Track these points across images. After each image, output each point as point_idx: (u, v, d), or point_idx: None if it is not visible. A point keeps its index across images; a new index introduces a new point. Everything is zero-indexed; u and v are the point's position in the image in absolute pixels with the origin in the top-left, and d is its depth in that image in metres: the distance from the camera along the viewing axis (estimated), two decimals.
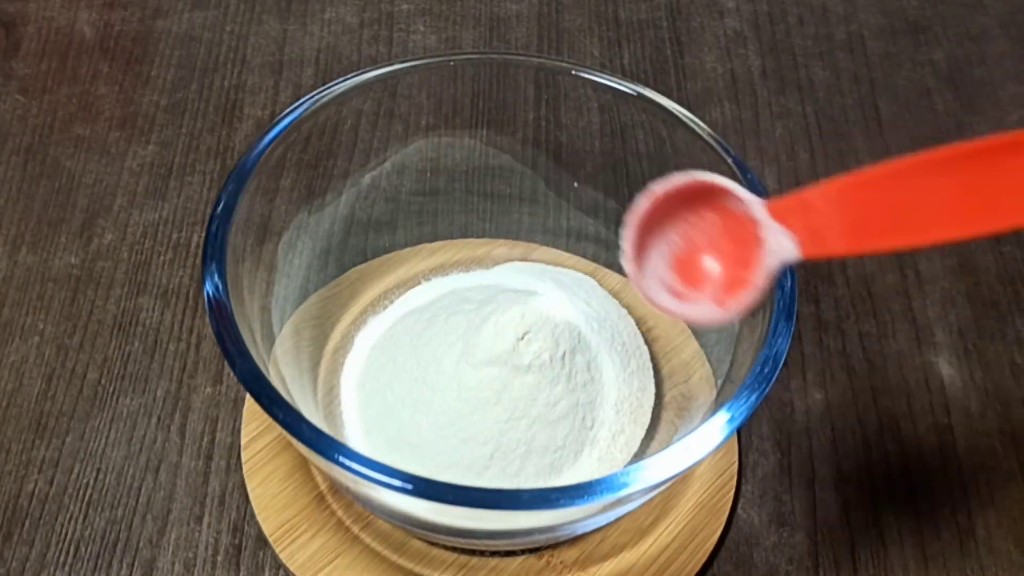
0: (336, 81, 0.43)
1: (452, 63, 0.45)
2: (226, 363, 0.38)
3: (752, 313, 0.40)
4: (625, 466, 0.42)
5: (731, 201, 0.32)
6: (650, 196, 0.33)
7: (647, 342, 0.46)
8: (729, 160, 0.41)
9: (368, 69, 0.44)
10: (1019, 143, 0.27)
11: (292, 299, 0.44)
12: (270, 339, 0.40)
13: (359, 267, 0.49)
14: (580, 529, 0.40)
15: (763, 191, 0.35)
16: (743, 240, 0.32)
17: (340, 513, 0.42)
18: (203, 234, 0.42)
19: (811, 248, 0.30)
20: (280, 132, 0.41)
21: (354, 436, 0.43)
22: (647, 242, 0.33)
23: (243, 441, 0.44)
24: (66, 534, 0.43)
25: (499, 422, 0.40)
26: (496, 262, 0.50)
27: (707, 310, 0.33)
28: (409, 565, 0.41)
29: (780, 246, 0.31)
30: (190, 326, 0.49)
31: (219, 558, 0.42)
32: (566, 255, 0.50)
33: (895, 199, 0.28)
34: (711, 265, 0.33)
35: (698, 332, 0.46)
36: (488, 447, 0.40)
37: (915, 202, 0.28)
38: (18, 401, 0.46)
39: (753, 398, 0.35)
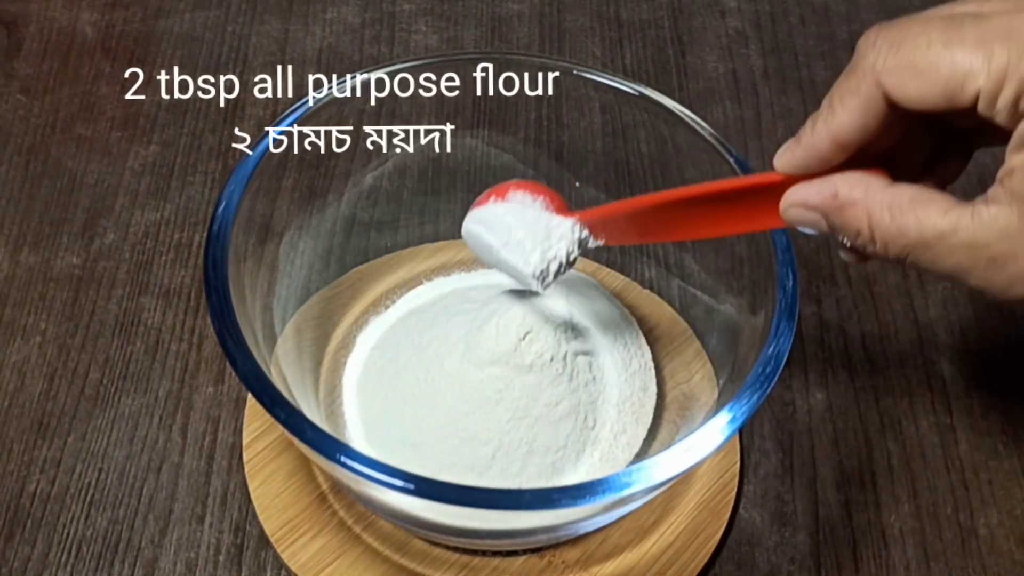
0: (338, 81, 0.43)
1: (454, 63, 0.45)
2: (228, 363, 0.38)
3: (753, 312, 0.40)
4: (627, 466, 0.42)
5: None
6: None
7: (649, 342, 0.46)
8: (731, 159, 0.41)
9: (370, 69, 0.44)
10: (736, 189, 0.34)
11: (294, 299, 0.44)
12: (272, 339, 0.40)
13: (361, 267, 0.49)
14: (582, 529, 0.40)
15: None
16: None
17: (342, 513, 0.42)
18: (205, 234, 0.42)
19: (605, 240, 0.39)
20: (282, 132, 0.41)
21: (356, 436, 0.43)
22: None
23: (245, 441, 0.44)
24: (68, 534, 0.43)
25: (501, 422, 0.40)
26: None
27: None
28: (411, 565, 0.41)
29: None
30: (192, 326, 0.49)
31: (221, 558, 0.42)
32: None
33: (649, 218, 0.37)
34: None
35: (700, 332, 0.46)
36: (490, 447, 0.40)
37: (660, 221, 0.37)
38: (20, 401, 0.46)
39: (755, 398, 0.35)
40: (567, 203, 0.40)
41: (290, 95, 0.59)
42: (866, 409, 0.48)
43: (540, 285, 0.39)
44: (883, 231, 0.30)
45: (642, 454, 0.43)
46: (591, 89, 0.45)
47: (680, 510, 0.43)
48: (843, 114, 0.30)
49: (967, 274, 0.29)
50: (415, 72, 0.44)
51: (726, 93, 0.61)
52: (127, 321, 0.49)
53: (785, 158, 0.32)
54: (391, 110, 0.46)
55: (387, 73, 0.44)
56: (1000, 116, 0.28)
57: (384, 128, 0.46)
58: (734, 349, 0.41)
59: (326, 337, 0.46)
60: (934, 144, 0.33)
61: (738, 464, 0.45)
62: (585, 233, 0.39)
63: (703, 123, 0.42)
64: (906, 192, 0.30)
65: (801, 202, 0.32)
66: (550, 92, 0.46)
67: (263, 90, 0.59)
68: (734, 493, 0.44)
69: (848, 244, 0.31)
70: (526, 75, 0.46)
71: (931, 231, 0.29)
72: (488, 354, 0.40)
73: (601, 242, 0.39)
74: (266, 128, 0.41)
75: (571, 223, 0.39)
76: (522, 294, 0.43)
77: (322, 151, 0.44)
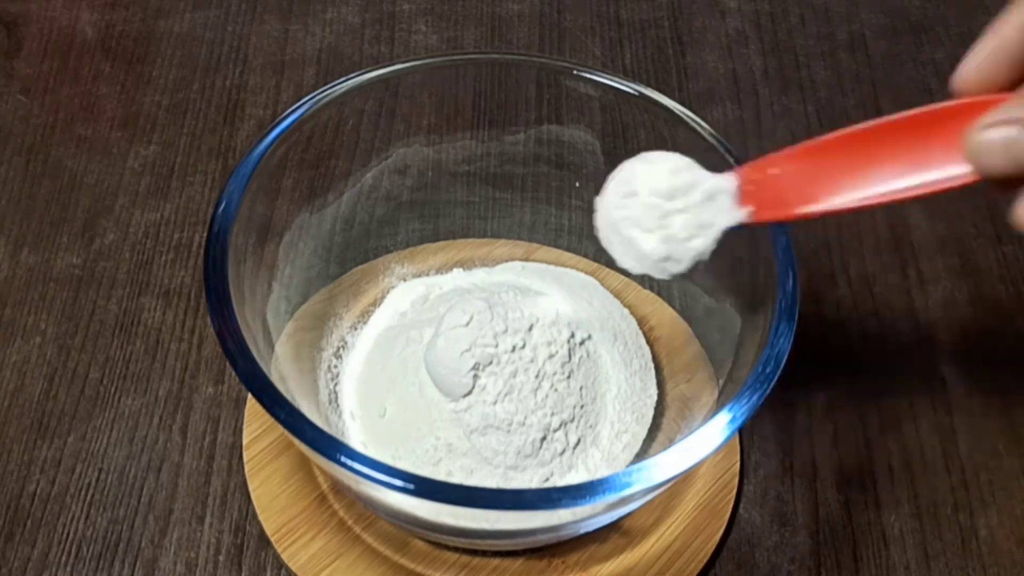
0: (338, 81, 0.43)
1: (454, 63, 0.45)
2: (228, 363, 0.38)
3: (753, 312, 0.40)
4: (627, 466, 0.42)
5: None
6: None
7: (649, 342, 0.46)
8: (731, 160, 0.41)
9: (370, 69, 0.44)
10: (939, 116, 0.29)
11: (294, 299, 0.44)
12: (272, 339, 0.40)
13: (361, 267, 0.49)
14: (582, 529, 0.40)
15: None
16: None
17: (342, 513, 0.42)
18: (205, 234, 0.42)
19: (756, 216, 0.33)
20: (282, 132, 0.41)
21: (355, 436, 0.43)
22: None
23: (245, 441, 0.44)
24: (68, 534, 0.43)
25: (501, 421, 0.40)
26: (498, 262, 0.50)
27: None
28: (411, 565, 0.41)
29: (723, 217, 0.34)
30: (192, 326, 0.49)
31: (221, 558, 0.42)
32: (568, 255, 0.50)
33: (824, 167, 0.31)
34: None
35: (700, 332, 0.46)
36: (490, 446, 0.40)
37: (841, 168, 0.31)
38: (20, 401, 0.46)
39: (755, 398, 0.35)
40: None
41: (290, 95, 0.59)
42: (866, 409, 0.48)
43: (667, 271, 0.34)
44: None
45: (642, 454, 0.43)
46: (591, 89, 0.45)
47: (680, 510, 0.43)
48: None
49: None
50: (415, 72, 0.45)
51: (726, 93, 0.61)
52: (127, 321, 0.49)
53: (968, 65, 0.28)
54: (391, 110, 0.46)
55: (387, 73, 0.44)
56: None
57: (384, 128, 0.46)
58: (734, 349, 0.41)
59: (326, 337, 0.46)
60: None
61: (738, 464, 0.45)
62: (737, 198, 0.33)
63: (703, 123, 0.42)
64: None
65: (1005, 118, 0.26)
66: (550, 92, 0.46)
67: (263, 90, 0.59)
68: (734, 493, 0.44)
69: None
70: (526, 75, 0.46)
71: None
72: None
73: (747, 215, 0.33)
74: (266, 128, 0.41)
75: (725, 179, 0.33)
76: (524, 292, 0.43)
77: (322, 151, 0.44)
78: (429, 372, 0.40)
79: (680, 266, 0.34)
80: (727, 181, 0.33)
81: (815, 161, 0.32)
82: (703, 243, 0.34)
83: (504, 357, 0.40)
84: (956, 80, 0.28)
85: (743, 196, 0.33)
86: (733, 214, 0.33)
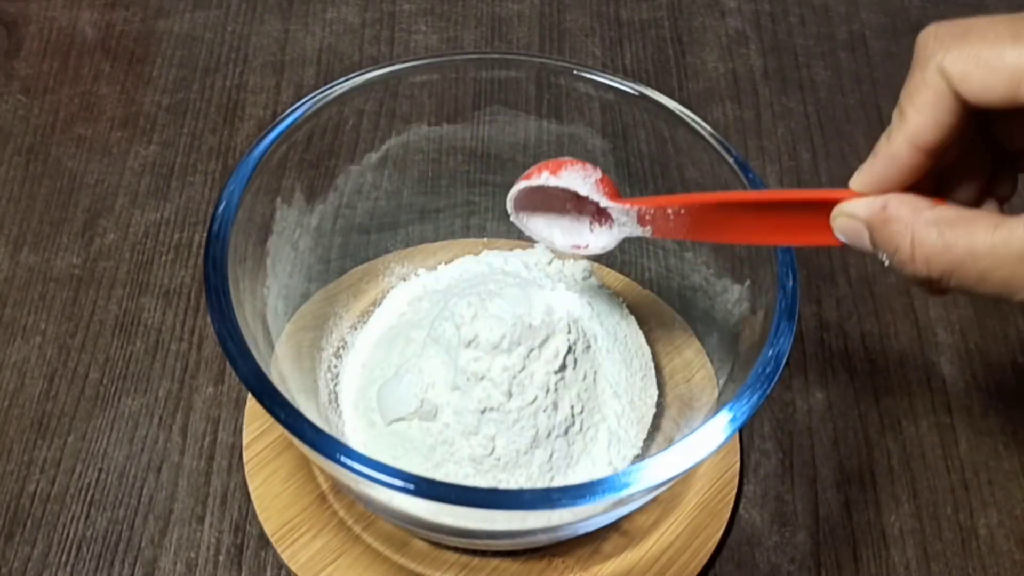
0: (338, 81, 0.43)
1: (454, 63, 0.45)
2: (228, 363, 0.38)
3: (753, 312, 0.40)
4: (627, 466, 0.42)
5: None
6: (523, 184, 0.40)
7: (649, 342, 0.46)
8: (731, 160, 0.41)
9: (369, 69, 0.44)
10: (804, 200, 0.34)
11: (294, 299, 0.44)
12: (271, 339, 0.40)
13: (361, 267, 0.49)
14: (582, 529, 0.40)
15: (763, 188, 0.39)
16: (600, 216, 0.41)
17: (342, 513, 0.42)
18: (205, 234, 0.42)
19: (653, 233, 0.39)
20: (282, 132, 0.41)
21: (355, 436, 0.43)
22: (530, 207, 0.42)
23: (245, 441, 0.44)
24: (68, 534, 0.43)
25: (501, 422, 0.40)
26: None
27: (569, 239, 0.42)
28: (411, 565, 0.41)
29: (627, 229, 0.39)
30: (192, 326, 0.49)
31: (221, 558, 0.42)
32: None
33: (709, 217, 0.37)
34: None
35: (700, 332, 0.46)
36: (490, 446, 0.40)
37: (722, 220, 0.36)
38: (20, 401, 0.46)
39: (755, 398, 0.35)
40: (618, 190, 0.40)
41: (290, 95, 0.59)
42: (866, 409, 0.48)
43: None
44: (927, 248, 0.29)
45: (642, 454, 0.43)
46: (591, 89, 0.45)
47: (680, 510, 0.43)
48: (915, 115, 0.30)
49: (1017, 289, 0.28)
50: (415, 72, 0.44)
51: (726, 93, 0.61)
52: (127, 321, 0.49)
53: (863, 175, 0.32)
54: (391, 110, 0.46)
55: (387, 73, 0.44)
56: None
57: (384, 128, 0.46)
58: (734, 349, 0.41)
59: (326, 337, 0.46)
60: (989, 167, 0.33)
61: (738, 464, 0.45)
62: (634, 220, 0.39)
63: (703, 123, 0.42)
64: (952, 210, 0.30)
65: (850, 212, 0.32)
66: (550, 92, 0.46)
67: (263, 90, 0.59)
68: (734, 493, 0.44)
69: (887, 263, 0.31)
70: (526, 75, 0.46)
71: (981, 244, 0.28)
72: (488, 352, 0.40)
73: (646, 232, 0.39)
74: (266, 128, 0.41)
75: (622, 209, 0.39)
76: (525, 283, 0.43)
77: (322, 151, 0.44)
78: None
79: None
80: (629, 211, 0.39)
81: (702, 215, 0.37)
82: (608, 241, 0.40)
83: (505, 356, 0.40)
84: (852, 184, 0.32)
85: (641, 221, 0.39)
86: (632, 229, 0.39)
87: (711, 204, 0.36)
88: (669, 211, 0.37)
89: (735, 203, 0.36)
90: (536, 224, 0.42)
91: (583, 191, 0.39)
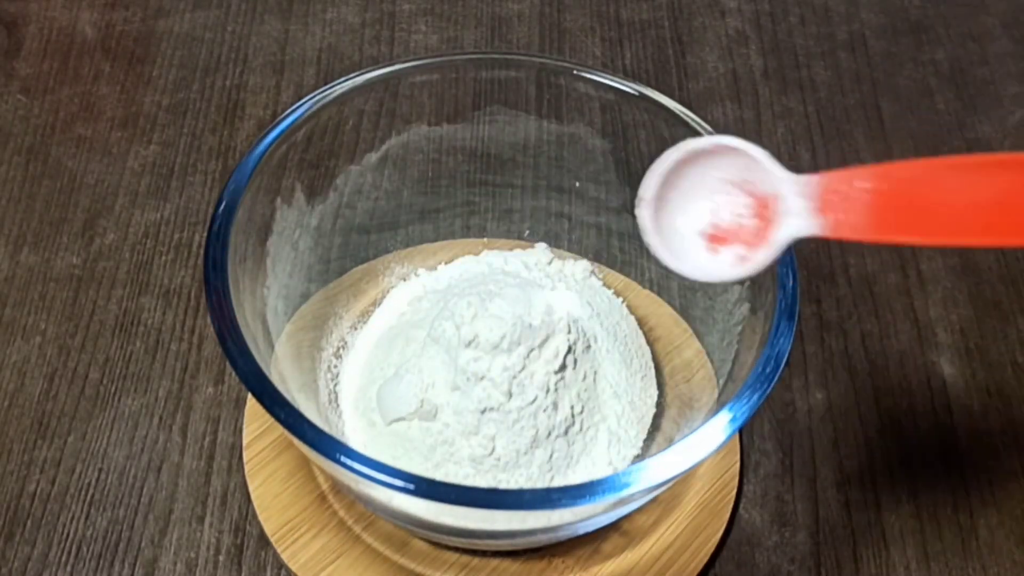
0: (337, 81, 0.43)
1: (454, 63, 0.45)
2: (228, 363, 0.38)
3: (753, 312, 0.40)
4: (627, 466, 0.42)
5: (756, 170, 0.32)
6: (680, 150, 0.33)
7: (649, 342, 0.46)
8: None
9: (369, 69, 0.44)
10: None
11: (294, 299, 0.44)
12: (271, 339, 0.40)
13: (361, 267, 0.49)
14: (582, 529, 0.40)
15: None
16: (761, 214, 0.32)
17: (342, 513, 0.42)
18: (205, 234, 0.42)
19: (834, 231, 0.30)
20: (282, 132, 0.41)
21: (355, 436, 0.43)
22: (666, 195, 0.33)
23: (245, 441, 0.44)
24: (68, 534, 0.43)
25: (501, 422, 0.40)
26: None
27: (702, 268, 0.33)
28: (411, 565, 0.41)
29: (796, 223, 0.31)
30: (192, 326, 0.49)
31: (221, 558, 0.42)
32: (568, 255, 0.50)
33: (927, 196, 0.28)
34: (726, 230, 0.33)
35: (700, 332, 0.46)
36: (490, 446, 0.40)
37: (945, 202, 0.28)
38: (20, 401, 0.46)
39: (755, 398, 0.35)
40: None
41: (290, 95, 0.59)
42: (866, 409, 0.48)
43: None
44: None
45: (642, 454, 0.43)
46: (591, 89, 0.45)
47: (680, 510, 0.43)
48: None
49: None
50: (415, 72, 0.44)
51: (726, 93, 0.61)
52: (127, 321, 0.49)
53: None
54: (391, 110, 0.46)
55: (387, 73, 0.44)
56: None
57: (384, 128, 0.46)
58: (734, 349, 0.41)
59: (326, 337, 0.46)
60: None
61: (738, 464, 0.45)
62: (808, 209, 0.30)
63: (703, 123, 0.42)
64: None
65: None
66: (550, 92, 0.46)
67: (263, 90, 0.59)
68: (734, 493, 0.44)
69: None
70: (526, 75, 0.46)
71: None
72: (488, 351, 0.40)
73: (822, 228, 0.30)
74: (266, 128, 0.41)
75: (797, 180, 0.30)
76: (525, 283, 0.43)
77: (322, 151, 0.44)
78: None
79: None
80: (806, 186, 0.30)
81: (912, 187, 0.29)
82: (766, 256, 0.31)
83: (504, 356, 0.40)
84: None
85: (822, 205, 0.29)
86: (806, 223, 0.30)
87: (939, 166, 0.27)
88: (859, 185, 0.28)
89: (971, 165, 0.27)
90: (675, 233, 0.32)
91: (758, 155, 0.31)
